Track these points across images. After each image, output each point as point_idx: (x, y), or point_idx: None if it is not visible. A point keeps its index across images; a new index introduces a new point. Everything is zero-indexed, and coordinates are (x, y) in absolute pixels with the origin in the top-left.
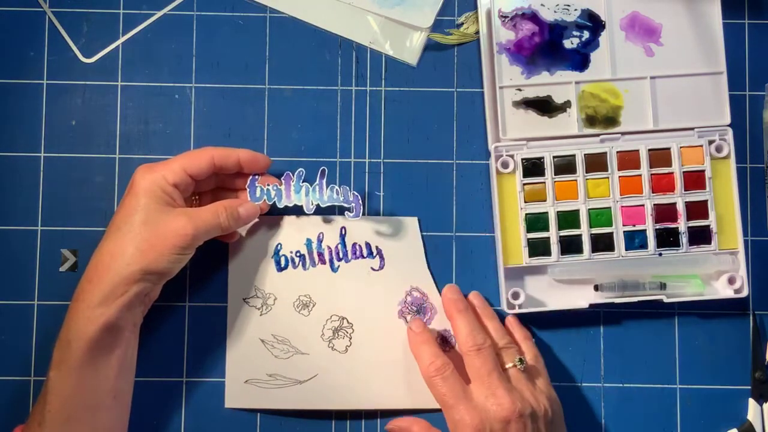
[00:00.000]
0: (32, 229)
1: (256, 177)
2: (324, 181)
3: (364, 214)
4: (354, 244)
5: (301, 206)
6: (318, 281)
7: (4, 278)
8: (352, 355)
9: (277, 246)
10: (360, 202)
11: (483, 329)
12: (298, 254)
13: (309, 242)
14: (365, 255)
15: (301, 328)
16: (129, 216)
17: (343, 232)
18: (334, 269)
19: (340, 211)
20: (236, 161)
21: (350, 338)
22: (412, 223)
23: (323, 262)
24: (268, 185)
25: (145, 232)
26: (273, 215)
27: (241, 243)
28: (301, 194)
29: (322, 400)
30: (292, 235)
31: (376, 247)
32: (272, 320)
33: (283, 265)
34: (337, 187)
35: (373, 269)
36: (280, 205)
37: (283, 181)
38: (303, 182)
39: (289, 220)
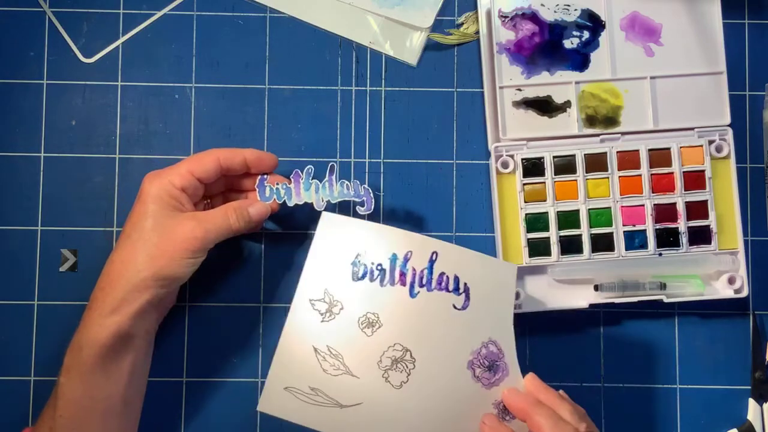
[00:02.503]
0: (32, 229)
1: (265, 177)
2: (334, 177)
3: (374, 208)
4: (442, 274)
5: (312, 204)
6: (392, 302)
7: (4, 278)
8: (405, 393)
9: (359, 253)
10: (371, 196)
11: (563, 418)
12: (379, 267)
13: (394, 258)
14: (451, 289)
15: (359, 347)
16: (138, 223)
17: (434, 258)
18: (413, 294)
19: (350, 207)
20: (242, 161)
21: (408, 374)
22: (509, 270)
23: (403, 284)
24: (278, 184)
25: (154, 237)
26: (364, 219)
27: (325, 240)
28: (311, 191)
29: None
30: (378, 244)
31: (464, 284)
32: (332, 330)
33: (360, 275)
34: (347, 181)
35: (455, 307)
36: (291, 204)
37: (292, 180)
38: (312, 179)
39: (379, 228)
